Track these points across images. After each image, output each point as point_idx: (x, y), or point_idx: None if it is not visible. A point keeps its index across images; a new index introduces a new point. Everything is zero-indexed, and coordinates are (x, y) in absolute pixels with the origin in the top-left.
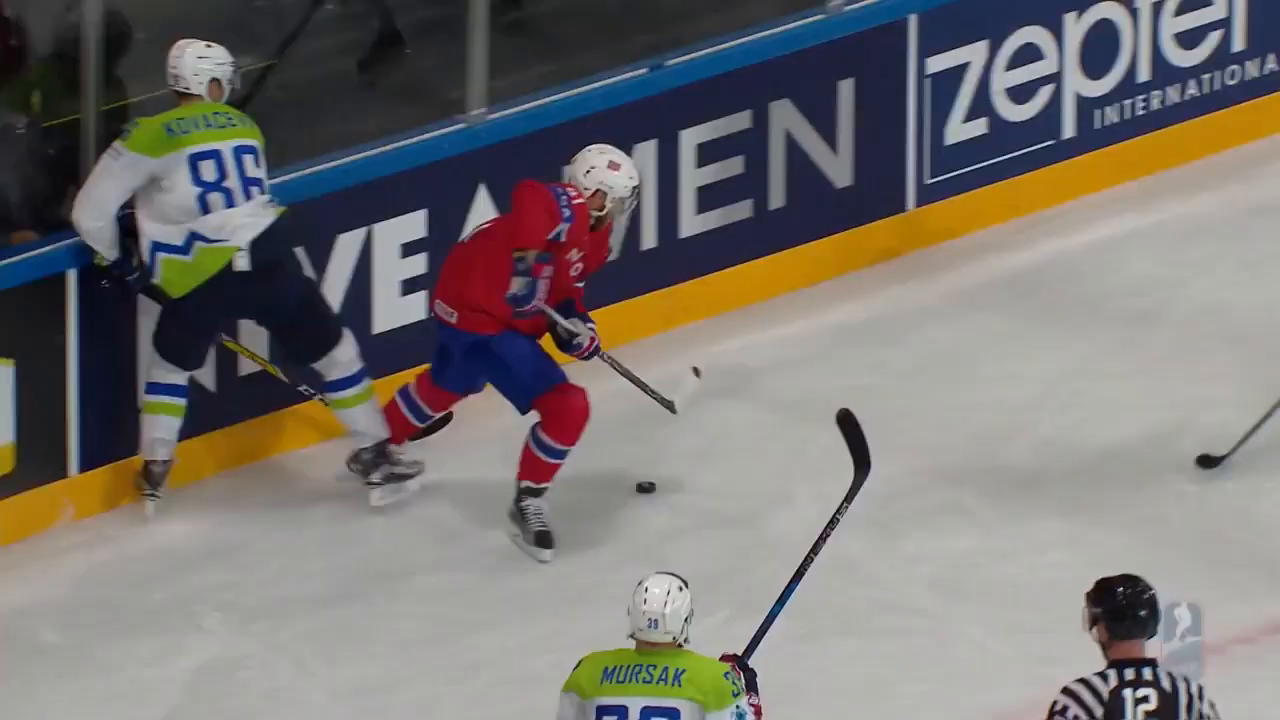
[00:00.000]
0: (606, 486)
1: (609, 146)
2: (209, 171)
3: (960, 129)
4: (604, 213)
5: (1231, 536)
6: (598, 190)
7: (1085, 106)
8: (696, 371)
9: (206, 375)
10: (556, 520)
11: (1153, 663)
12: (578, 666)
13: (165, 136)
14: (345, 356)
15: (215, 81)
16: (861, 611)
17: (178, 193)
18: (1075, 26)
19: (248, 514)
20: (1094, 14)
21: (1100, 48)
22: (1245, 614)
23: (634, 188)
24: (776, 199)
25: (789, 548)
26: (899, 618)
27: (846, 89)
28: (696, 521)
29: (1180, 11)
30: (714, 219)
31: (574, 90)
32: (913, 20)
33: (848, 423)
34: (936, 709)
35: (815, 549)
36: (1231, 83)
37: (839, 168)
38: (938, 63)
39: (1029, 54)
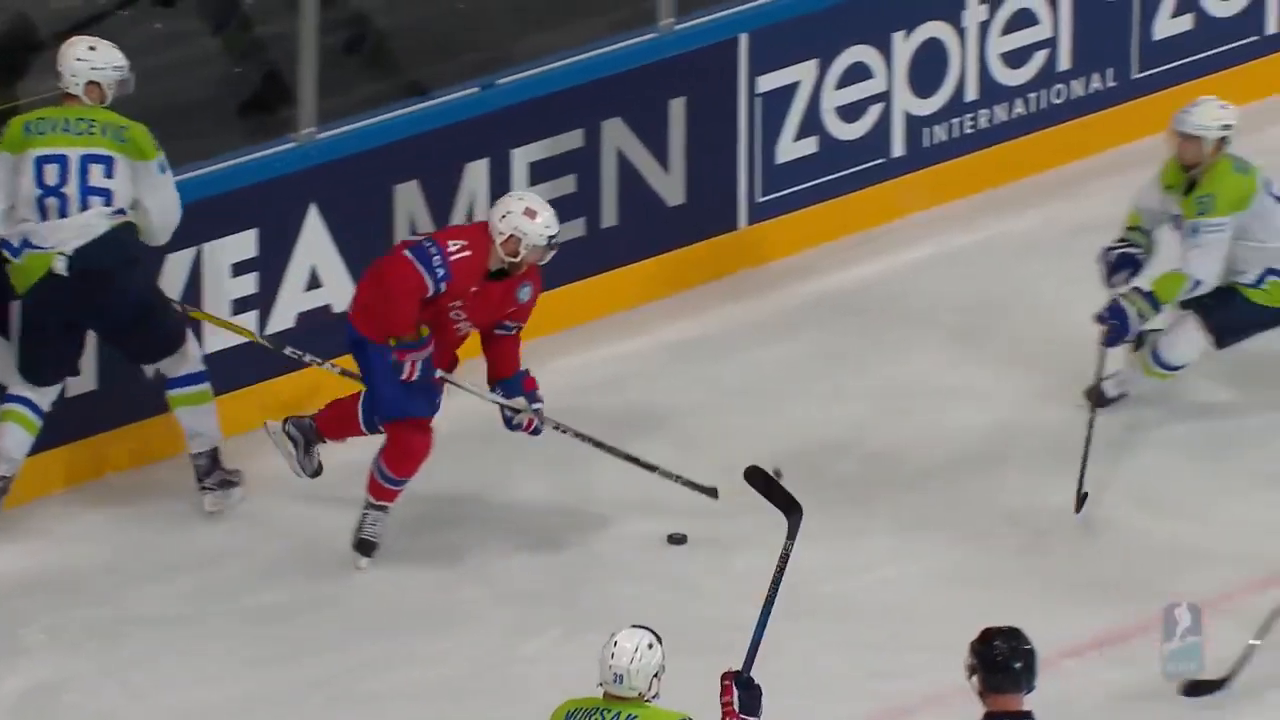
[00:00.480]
0: (449, 502)
1: (531, 194)
2: (51, 176)
3: (791, 147)
4: (518, 259)
5: (1059, 549)
6: (511, 235)
7: (914, 125)
8: (778, 473)
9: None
10: (398, 537)
11: (1028, 716)
12: (555, 711)
13: (22, 135)
14: (188, 355)
15: (94, 84)
16: (694, 629)
17: (23, 193)
18: (904, 45)
19: (81, 534)
20: (922, 33)
21: (928, 67)
22: (1073, 627)
23: (549, 237)
24: (609, 217)
25: (621, 565)
26: (732, 634)
27: (678, 107)
28: (532, 540)
29: (1007, 31)
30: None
31: (405, 109)
32: (743, 39)
33: (755, 480)
34: None
35: (771, 596)
36: (1057, 101)
37: (671, 186)
38: (768, 81)
39: (858, 73)
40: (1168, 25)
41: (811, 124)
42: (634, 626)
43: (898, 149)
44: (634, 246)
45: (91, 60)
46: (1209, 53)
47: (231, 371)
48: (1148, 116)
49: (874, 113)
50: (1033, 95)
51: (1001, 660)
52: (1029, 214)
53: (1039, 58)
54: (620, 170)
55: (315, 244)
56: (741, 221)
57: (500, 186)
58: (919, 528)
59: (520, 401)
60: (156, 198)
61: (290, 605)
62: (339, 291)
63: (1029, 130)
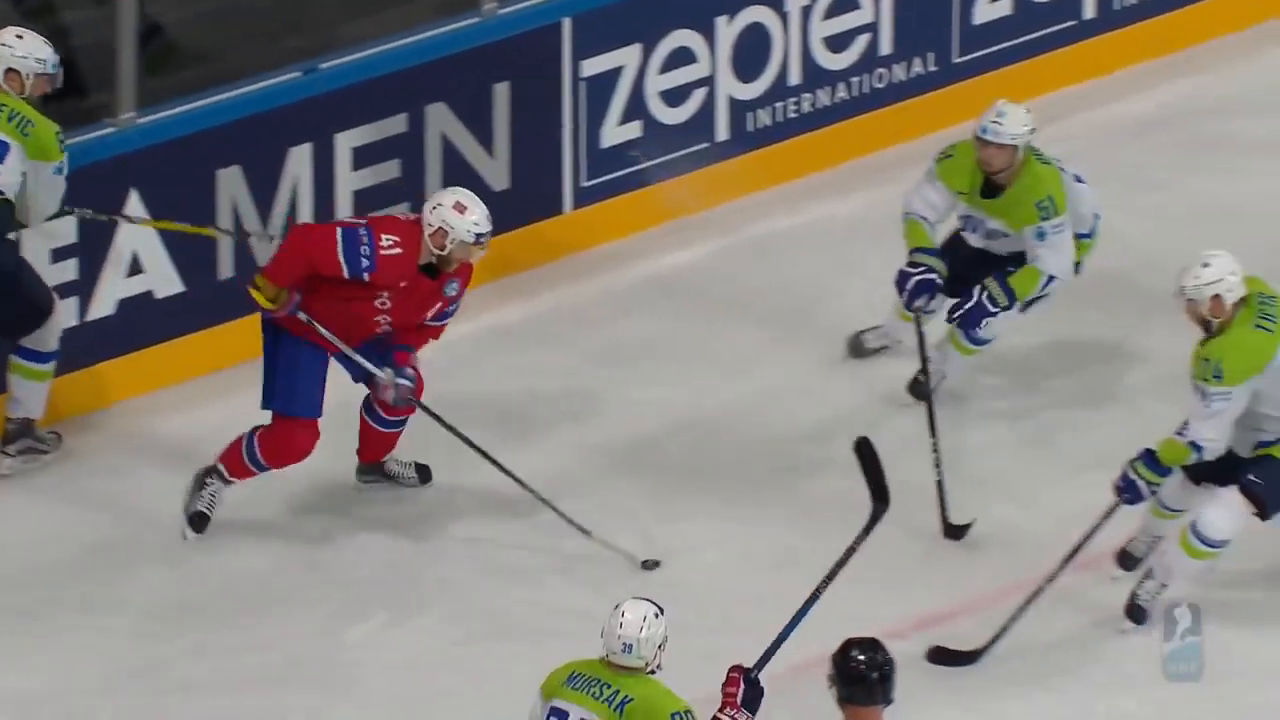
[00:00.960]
0: (280, 481)
1: (464, 191)
2: None
3: (616, 132)
4: (445, 253)
5: (883, 534)
6: (439, 228)
7: (738, 109)
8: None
9: None
10: (224, 513)
11: None
12: (556, 669)
13: None
14: (47, 335)
15: (13, 72)
16: (522, 615)
17: None
18: (727, 30)
19: None
20: (745, 17)
21: (751, 51)
22: (893, 609)
23: (477, 235)
24: None
25: (449, 554)
26: (560, 619)
27: (502, 92)
28: (360, 524)
29: (829, 15)
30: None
31: (226, 94)
32: (567, 24)
33: (864, 454)
34: None
35: (832, 575)
36: (879, 85)
37: (496, 171)
38: (592, 66)
39: (682, 57)
40: (987, 10)
41: (636, 108)
42: (637, 599)
43: (722, 133)
44: None
45: (14, 49)
46: (1028, 37)
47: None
48: (968, 100)
49: (698, 97)
50: (855, 79)
51: (856, 672)
52: (853, 198)
53: (861, 42)
54: (445, 155)
55: (136, 229)
56: (567, 206)
57: (324, 171)
58: (746, 510)
59: (387, 372)
60: (44, 195)
61: (108, 596)
62: (160, 278)
63: (852, 114)
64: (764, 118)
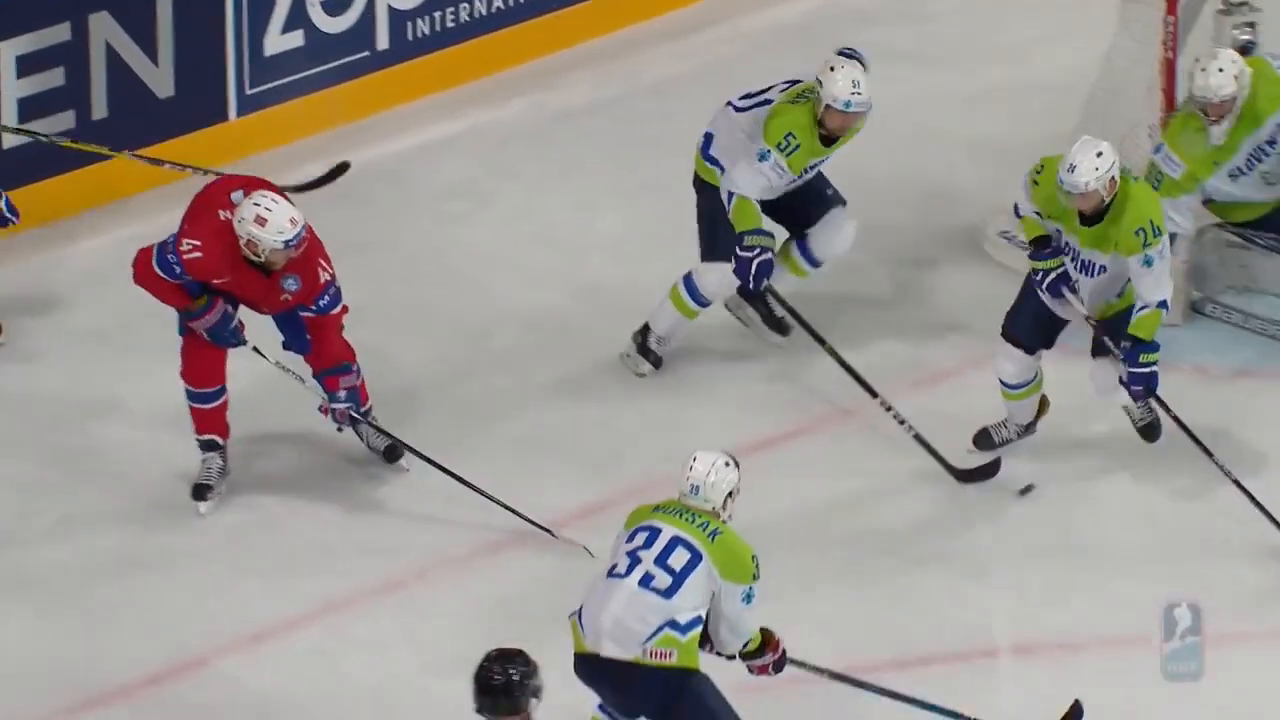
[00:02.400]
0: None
1: (265, 198)
2: None
3: (279, 40)
4: (262, 259)
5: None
6: (248, 241)
7: (397, 19)
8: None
9: None
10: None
11: None
12: (639, 507)
13: None
14: None
15: None
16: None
17: None
18: None
19: None
20: None
21: None
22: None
23: (285, 241)
24: (99, 110)
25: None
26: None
27: (165, 2)
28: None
29: None
30: (37, 130)
31: None
32: None
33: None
34: None
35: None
36: None
37: (160, 79)
38: None
39: None
40: None
41: (298, 18)
42: (711, 449)
43: (382, 42)
44: (125, 138)
45: None
46: None
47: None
48: (619, 9)
49: (358, 7)
50: None
51: (479, 682)
52: (511, 104)
53: None
54: (109, 64)
55: None
56: (232, 114)
57: None
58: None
59: (324, 399)
60: None
61: None
62: None
63: (508, 23)
64: (423, 27)
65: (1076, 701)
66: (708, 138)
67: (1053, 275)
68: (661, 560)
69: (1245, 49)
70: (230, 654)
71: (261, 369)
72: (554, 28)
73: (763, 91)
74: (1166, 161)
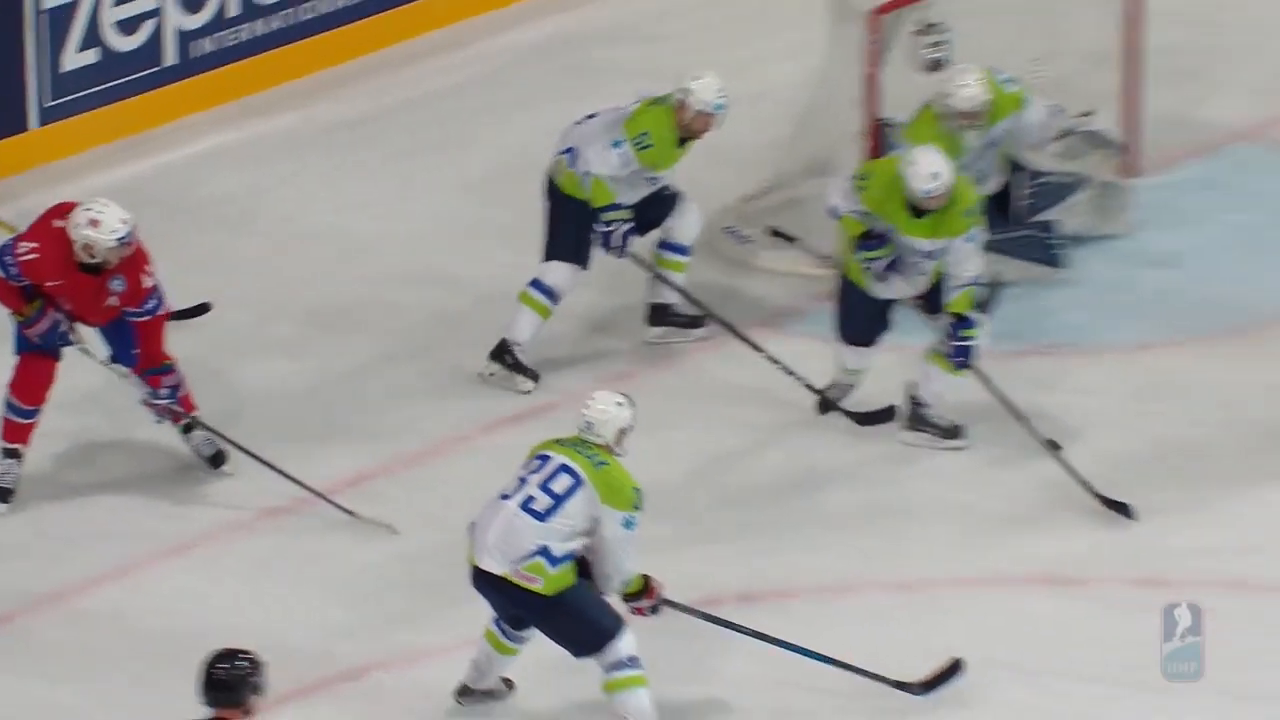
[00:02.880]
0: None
1: (96, 203)
2: None
3: (75, 58)
4: (97, 260)
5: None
6: (85, 244)
7: (184, 38)
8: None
9: None
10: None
11: None
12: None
13: None
14: None
15: None
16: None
17: None
18: None
19: None
20: None
21: None
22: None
23: (119, 239)
24: None
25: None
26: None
27: None
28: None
29: None
30: None
31: None
32: None
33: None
34: None
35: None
36: (308, 16)
37: None
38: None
39: None
40: None
41: (93, 37)
42: (609, 390)
43: (170, 59)
44: None
45: None
46: None
47: None
48: (387, 28)
49: (148, 27)
50: (287, 11)
51: (206, 677)
52: (288, 115)
53: None
54: None
55: None
56: (32, 124)
57: None
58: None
59: (148, 393)
60: None
61: None
62: None
63: (286, 42)
64: (207, 45)
65: (956, 660)
66: (571, 152)
67: (884, 261)
68: (545, 485)
69: (936, 64)
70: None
71: (86, 379)
72: (331, 44)
73: (604, 111)
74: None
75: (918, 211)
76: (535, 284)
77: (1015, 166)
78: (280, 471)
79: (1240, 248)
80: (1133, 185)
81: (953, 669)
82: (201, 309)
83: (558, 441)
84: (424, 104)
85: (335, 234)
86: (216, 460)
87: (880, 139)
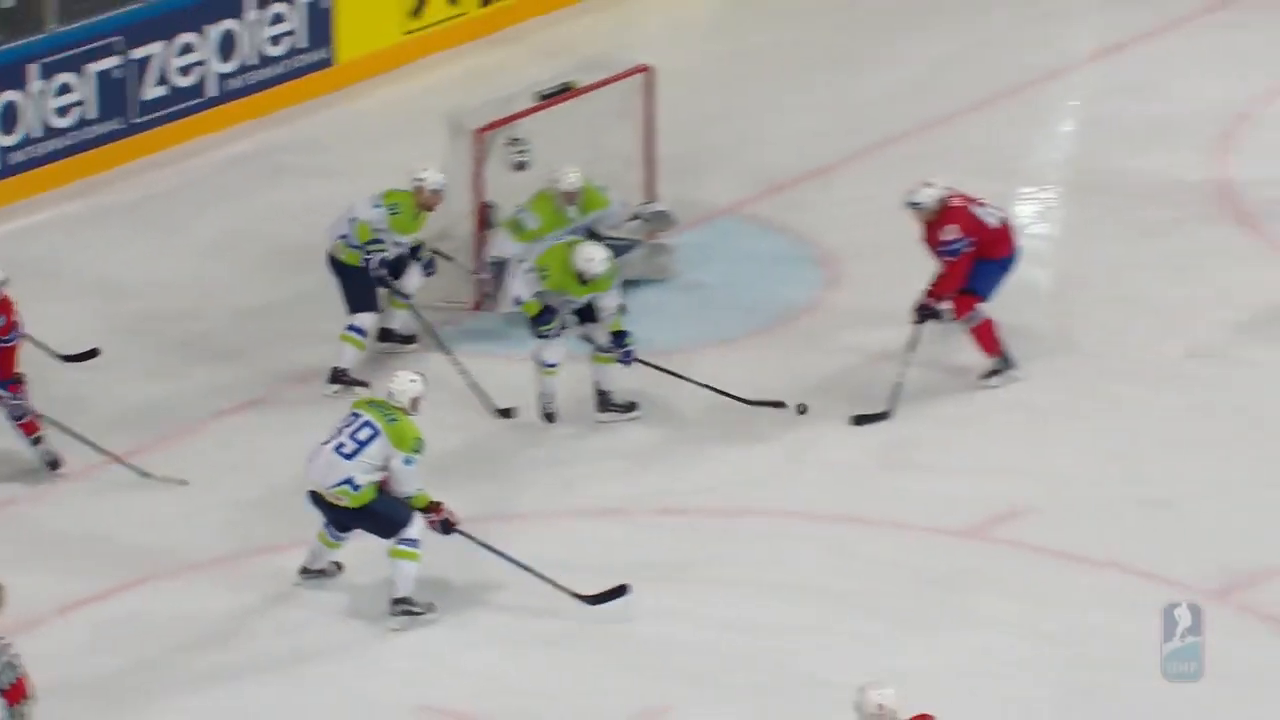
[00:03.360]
0: None
1: None
2: None
3: None
4: None
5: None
6: None
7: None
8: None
9: None
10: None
11: None
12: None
13: None
14: None
15: None
16: None
17: None
18: None
19: None
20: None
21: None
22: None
23: None
24: None
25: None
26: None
27: None
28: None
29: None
30: None
31: None
32: None
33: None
34: None
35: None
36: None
37: None
38: None
39: None
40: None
41: None
42: (411, 370)
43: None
44: None
45: None
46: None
47: None
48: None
49: None
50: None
51: None
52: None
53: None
54: None
55: None
56: None
57: None
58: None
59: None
60: None
61: None
62: None
63: (69, 155)
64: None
65: (622, 585)
66: (345, 237)
67: (556, 329)
68: (352, 434)
69: (521, 166)
70: None
71: None
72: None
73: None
74: (528, 218)
75: (583, 280)
76: (351, 328)
77: (592, 234)
78: (89, 442)
79: (719, 287)
80: (673, 246)
81: (619, 590)
82: (91, 353)
83: (369, 402)
84: (166, 195)
85: (127, 283)
86: (53, 465)
87: (485, 215)
